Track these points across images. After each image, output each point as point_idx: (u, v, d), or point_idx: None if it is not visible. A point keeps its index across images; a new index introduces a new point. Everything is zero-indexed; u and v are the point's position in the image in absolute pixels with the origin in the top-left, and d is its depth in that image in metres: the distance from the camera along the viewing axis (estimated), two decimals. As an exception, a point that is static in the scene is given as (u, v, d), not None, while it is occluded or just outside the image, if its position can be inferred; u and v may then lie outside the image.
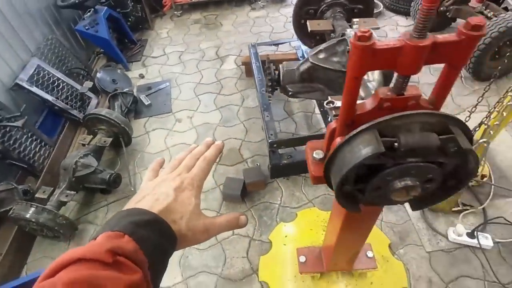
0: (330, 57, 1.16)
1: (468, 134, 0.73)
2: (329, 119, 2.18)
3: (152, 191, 0.55)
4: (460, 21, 3.59)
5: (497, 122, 1.54)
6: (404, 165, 0.71)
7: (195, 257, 1.99)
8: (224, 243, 2.03)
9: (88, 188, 2.27)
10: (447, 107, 2.78)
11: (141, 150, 2.67)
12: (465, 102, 2.82)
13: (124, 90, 2.87)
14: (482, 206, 2.07)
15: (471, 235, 1.89)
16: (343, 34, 1.26)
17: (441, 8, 3.37)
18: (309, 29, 1.48)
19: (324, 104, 0.90)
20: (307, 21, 1.53)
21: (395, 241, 1.97)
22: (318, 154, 0.94)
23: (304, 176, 2.33)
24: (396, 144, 0.69)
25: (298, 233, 2.00)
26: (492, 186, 2.17)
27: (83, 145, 2.38)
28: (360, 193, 0.85)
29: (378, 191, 0.79)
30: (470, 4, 3.26)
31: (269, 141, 1.96)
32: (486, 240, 1.87)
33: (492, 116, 1.60)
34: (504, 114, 1.49)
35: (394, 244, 1.95)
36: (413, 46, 0.63)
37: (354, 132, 0.73)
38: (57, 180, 2.26)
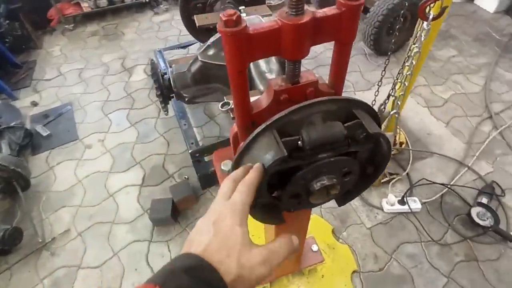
0: (220, 51, 1.03)
1: (374, 114, 0.66)
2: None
3: (196, 233, 0.48)
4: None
5: (402, 93, 1.59)
6: (315, 164, 0.60)
7: (131, 300, 1.72)
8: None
9: (-22, 253, 1.82)
10: (358, 84, 2.92)
11: (46, 190, 2.24)
12: (374, 77, 2.99)
13: (11, 124, 2.39)
14: (406, 172, 2.19)
15: (401, 202, 1.97)
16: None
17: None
18: (197, 25, 1.33)
19: (219, 108, 0.76)
20: (194, 16, 1.38)
21: (337, 225, 1.96)
22: (226, 166, 0.81)
23: (238, 180, 2.20)
24: (299, 142, 0.58)
25: (241, 242, 1.86)
26: (410, 151, 2.32)
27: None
28: (279, 201, 0.73)
29: (298, 199, 0.69)
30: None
31: (190, 151, 1.78)
32: (415, 204, 1.97)
33: (397, 88, 1.66)
34: (406, 83, 1.55)
35: (337, 228, 1.95)
36: (292, 25, 0.52)
37: (250, 137, 0.60)
38: None
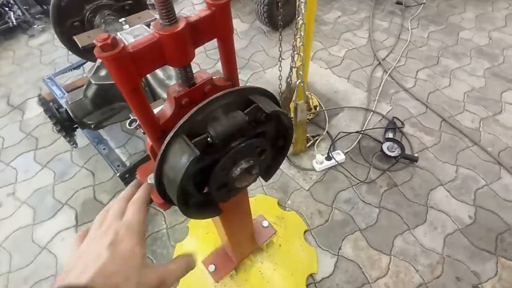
0: (113, 69, 1.00)
1: (269, 94, 0.73)
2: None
3: (78, 260, 0.43)
4: (242, -15, 3.91)
5: (300, 63, 1.74)
6: (230, 154, 0.66)
7: None
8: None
9: None
10: (265, 63, 3.07)
11: (-41, 270, 1.92)
12: (278, 53, 3.15)
13: None
14: (326, 131, 2.42)
15: (328, 158, 2.20)
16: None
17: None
18: (80, 45, 1.24)
19: (127, 126, 0.76)
20: (74, 37, 1.29)
21: (281, 196, 2.10)
22: (151, 180, 0.81)
23: (178, 186, 2.18)
24: (209, 139, 0.63)
25: (198, 243, 1.88)
26: (325, 111, 2.56)
27: None
28: (209, 196, 0.78)
29: (225, 188, 0.74)
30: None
31: (118, 174, 1.70)
32: (339, 156, 2.21)
33: (296, 59, 1.81)
34: (302, 54, 1.70)
35: (282, 200, 2.08)
36: (169, 35, 0.55)
37: (162, 148, 0.62)
38: None
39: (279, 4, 3.28)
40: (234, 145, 0.66)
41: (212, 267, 1.58)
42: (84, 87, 1.01)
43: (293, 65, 1.83)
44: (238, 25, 3.59)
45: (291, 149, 2.22)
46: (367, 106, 2.59)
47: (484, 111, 2.51)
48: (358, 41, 3.25)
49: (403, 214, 1.97)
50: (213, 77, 0.71)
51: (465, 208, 1.99)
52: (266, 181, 0.88)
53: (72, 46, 1.50)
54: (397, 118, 2.45)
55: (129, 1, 1.45)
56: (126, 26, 1.12)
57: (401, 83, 2.76)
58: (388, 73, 2.84)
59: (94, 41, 0.49)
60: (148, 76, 0.98)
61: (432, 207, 2.00)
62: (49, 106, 0.99)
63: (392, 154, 2.13)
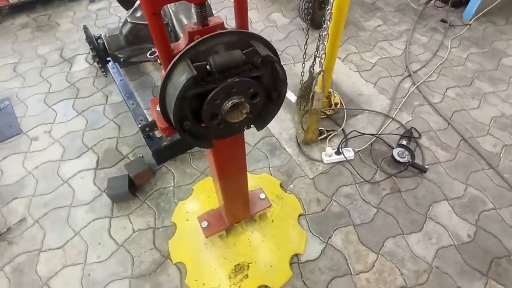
0: (147, 12, 1.15)
1: (269, 45, 0.84)
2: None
3: None
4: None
5: (323, 52, 1.82)
6: (224, 85, 0.77)
7: (98, 271, 1.80)
8: (127, 244, 1.90)
9: None
10: (297, 57, 3.16)
11: (-7, 186, 2.20)
12: (310, 49, 3.22)
13: None
14: (341, 128, 2.47)
15: (337, 152, 2.25)
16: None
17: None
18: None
19: (148, 55, 0.90)
20: None
21: (285, 179, 2.19)
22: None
23: (190, 152, 2.33)
24: (208, 67, 0.74)
25: (198, 204, 2.01)
26: (345, 110, 2.61)
27: None
28: (206, 130, 0.89)
29: (217, 119, 0.85)
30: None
31: (139, 126, 1.87)
32: (349, 153, 2.25)
33: (320, 49, 1.89)
34: (325, 43, 1.78)
35: (285, 182, 2.17)
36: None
37: (169, 67, 0.75)
38: None
39: (322, 4, 3.38)
40: (229, 80, 0.78)
41: (205, 223, 1.70)
42: (121, 24, 1.17)
43: (317, 55, 1.91)
44: (279, 19, 3.71)
45: (302, 137, 2.29)
46: (387, 112, 2.60)
47: (510, 138, 2.43)
48: (393, 51, 3.25)
49: (400, 219, 1.99)
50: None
51: (466, 226, 1.96)
52: (258, 130, 0.99)
53: None
54: (415, 129, 2.45)
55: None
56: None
57: (427, 97, 2.73)
58: (416, 86, 2.82)
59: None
60: (174, 20, 1.11)
61: (431, 219, 1.99)
62: (91, 35, 1.16)
63: (401, 160, 2.15)
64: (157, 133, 2.19)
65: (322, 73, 1.89)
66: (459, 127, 2.49)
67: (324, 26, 1.75)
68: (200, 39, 0.73)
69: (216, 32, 0.74)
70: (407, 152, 2.19)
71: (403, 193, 2.10)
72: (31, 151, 2.40)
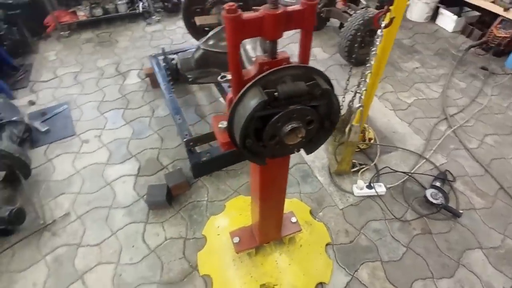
0: (218, 42, 1.31)
1: (327, 79, 0.94)
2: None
3: None
4: (333, 20, 4.24)
5: (364, 88, 1.91)
6: (287, 110, 0.88)
7: (129, 272, 1.89)
8: (158, 250, 1.99)
9: (-17, 233, 1.95)
10: (336, 91, 3.27)
11: (45, 180, 2.40)
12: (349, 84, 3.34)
13: (12, 119, 2.55)
14: (374, 163, 2.50)
15: (369, 186, 2.27)
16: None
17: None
18: (197, 23, 1.61)
19: (218, 79, 1.03)
20: (195, 17, 1.67)
21: (314, 207, 2.22)
22: (223, 124, 1.07)
23: (226, 170, 2.44)
24: (276, 93, 0.85)
25: (230, 221, 2.09)
26: (378, 146, 2.64)
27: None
28: (263, 148, 0.99)
29: (274, 139, 0.95)
30: (336, 6, 3.90)
31: (184, 140, 2.01)
32: (380, 188, 2.27)
33: (361, 86, 1.99)
34: (367, 80, 1.88)
35: (314, 210, 2.21)
36: (272, 15, 0.81)
37: (243, 90, 0.87)
38: None
39: (362, 43, 3.52)
40: (292, 107, 0.88)
41: (236, 239, 1.76)
42: (194, 50, 1.34)
43: (358, 91, 2.01)
44: (319, 53, 3.89)
45: (335, 167, 2.34)
46: (421, 153, 2.60)
47: (552, 193, 2.35)
48: (430, 93, 3.29)
49: (430, 262, 1.94)
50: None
51: (502, 279, 1.88)
52: (307, 153, 1.07)
53: (189, 25, 1.91)
54: (449, 172, 2.43)
55: (240, 3, 1.83)
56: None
57: (464, 141, 2.72)
58: (452, 129, 2.82)
59: (223, 6, 0.77)
60: (242, 52, 1.26)
61: (464, 266, 1.93)
62: (167, 57, 1.34)
63: (434, 201, 2.13)
64: (197, 149, 2.33)
65: (361, 108, 1.97)
66: (497, 175, 2.44)
67: (367, 64, 1.86)
68: (272, 70, 0.85)
69: (286, 65, 0.86)
70: (440, 194, 2.17)
71: (434, 236, 2.06)
72: (81, 152, 2.62)
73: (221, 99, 2.97)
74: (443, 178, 2.32)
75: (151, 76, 3.10)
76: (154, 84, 3.13)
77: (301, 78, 0.89)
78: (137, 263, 1.93)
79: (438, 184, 2.25)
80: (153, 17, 4.36)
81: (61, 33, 4.04)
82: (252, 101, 0.84)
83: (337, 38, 3.97)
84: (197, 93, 3.15)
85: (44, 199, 2.28)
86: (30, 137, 2.68)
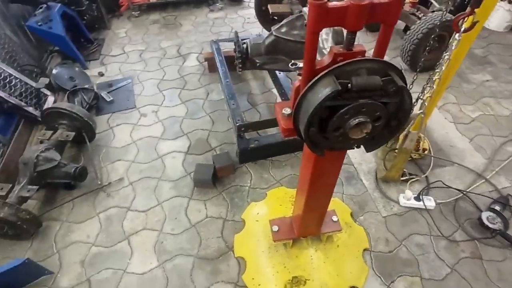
0: (290, 30, 1.32)
1: (402, 77, 0.91)
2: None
3: None
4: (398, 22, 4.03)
5: (429, 95, 1.81)
6: (357, 103, 0.87)
7: (169, 242, 2.02)
8: (198, 226, 2.09)
9: (50, 184, 2.19)
10: (392, 94, 3.13)
11: (105, 145, 2.62)
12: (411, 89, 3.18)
13: (85, 86, 2.81)
14: (425, 175, 2.37)
15: (417, 198, 2.16)
16: (300, 12, 1.44)
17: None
18: (270, 11, 1.64)
19: (289, 66, 1.04)
20: (269, 5, 1.70)
21: (356, 210, 2.17)
22: (287, 111, 1.08)
23: (271, 160, 2.47)
24: (349, 85, 0.85)
25: (269, 209, 2.12)
26: (432, 158, 2.49)
27: (42, 142, 2.29)
28: (324, 139, 1.00)
29: (339, 131, 0.95)
30: (404, 7, 3.70)
31: (237, 124, 2.07)
32: (429, 202, 2.15)
33: (425, 92, 1.88)
34: (434, 87, 1.77)
35: (355, 213, 2.16)
36: (356, 5, 0.80)
37: (316, 78, 0.88)
38: (13, 180, 2.16)
39: (428, 47, 3.30)
40: (362, 100, 0.87)
41: (275, 228, 1.79)
42: (266, 36, 1.37)
43: (421, 96, 1.91)
44: (379, 55, 3.73)
45: (383, 174, 2.26)
46: (481, 172, 2.41)
47: None
48: (500, 110, 3.01)
49: (476, 288, 1.81)
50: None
51: (558, 322, 1.70)
52: (367, 151, 1.06)
53: (259, 13, 1.95)
54: (512, 197, 2.22)
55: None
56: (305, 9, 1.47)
57: (534, 167, 2.46)
58: (522, 152, 2.56)
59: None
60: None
61: (515, 300, 1.78)
62: (239, 39, 1.39)
63: (491, 226, 1.97)
64: (247, 135, 2.38)
65: (423, 115, 1.87)
66: None
67: (437, 70, 1.75)
68: (349, 61, 0.84)
69: (363, 58, 0.85)
70: (499, 219, 2.00)
71: (485, 262, 1.91)
72: (139, 124, 2.81)
73: (274, 90, 3.00)
74: (505, 202, 2.13)
75: (209, 60, 3.21)
76: (212, 68, 3.24)
77: (377, 72, 0.87)
78: (178, 234, 2.05)
79: (497, 208, 2.08)
80: (217, 4, 4.48)
81: (132, 12, 4.33)
82: (324, 90, 0.84)
83: (399, 41, 3.77)
84: (251, 82, 3.21)
85: (103, 162, 2.49)
86: (96, 105, 2.93)
